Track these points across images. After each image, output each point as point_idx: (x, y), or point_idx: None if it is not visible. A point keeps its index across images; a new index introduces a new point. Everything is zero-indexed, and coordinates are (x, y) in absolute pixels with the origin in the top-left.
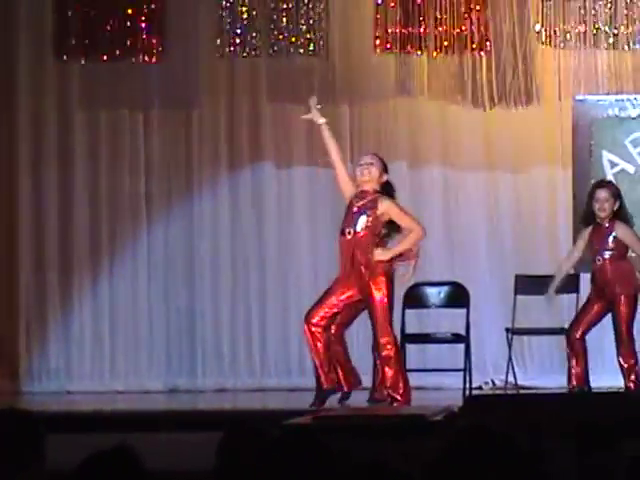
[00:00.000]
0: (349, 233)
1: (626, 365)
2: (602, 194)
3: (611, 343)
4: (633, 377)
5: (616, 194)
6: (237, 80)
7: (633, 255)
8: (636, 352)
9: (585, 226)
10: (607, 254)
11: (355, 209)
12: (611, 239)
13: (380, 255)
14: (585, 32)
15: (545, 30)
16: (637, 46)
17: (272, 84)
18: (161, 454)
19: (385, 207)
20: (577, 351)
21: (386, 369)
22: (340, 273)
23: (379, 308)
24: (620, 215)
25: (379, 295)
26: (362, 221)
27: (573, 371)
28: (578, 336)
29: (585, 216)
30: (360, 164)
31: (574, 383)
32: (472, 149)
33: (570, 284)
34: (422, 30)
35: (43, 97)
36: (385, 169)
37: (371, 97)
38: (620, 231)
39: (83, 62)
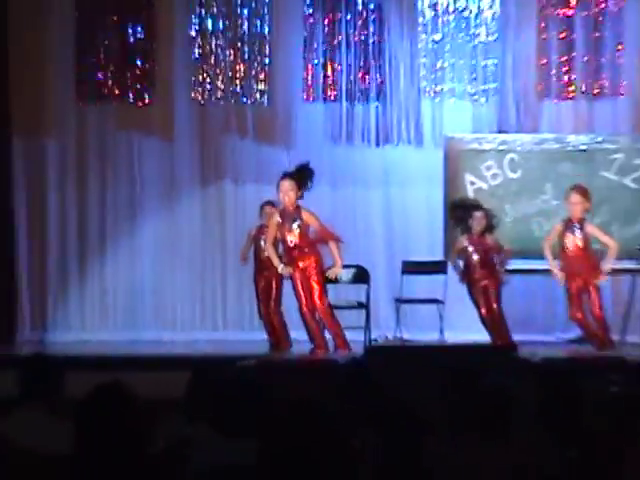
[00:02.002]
0: (291, 242)
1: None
2: (479, 214)
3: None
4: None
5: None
6: (208, 121)
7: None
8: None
9: (461, 233)
10: (477, 255)
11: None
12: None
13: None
14: (455, 89)
15: (426, 87)
16: (488, 98)
17: (231, 125)
18: (147, 387)
19: (306, 216)
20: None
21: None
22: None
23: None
24: (491, 229)
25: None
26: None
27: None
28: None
29: (463, 228)
30: (281, 190)
31: None
32: (376, 174)
33: (441, 268)
34: (339, 83)
35: (67, 133)
36: (299, 186)
37: (302, 140)
38: (489, 240)
39: (97, 104)
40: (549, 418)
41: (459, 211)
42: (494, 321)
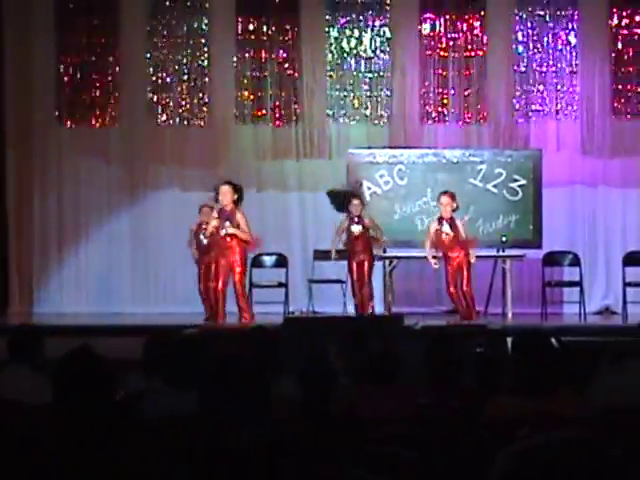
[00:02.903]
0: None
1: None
2: (356, 201)
3: None
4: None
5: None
6: (161, 143)
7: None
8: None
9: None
10: (360, 230)
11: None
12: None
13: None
14: (355, 114)
15: (333, 112)
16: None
17: (176, 144)
18: (110, 350)
19: (239, 217)
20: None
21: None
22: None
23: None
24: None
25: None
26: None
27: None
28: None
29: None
30: (220, 192)
31: None
32: (293, 181)
33: (344, 255)
34: (266, 109)
35: (49, 149)
36: (235, 190)
37: (231, 158)
38: (367, 220)
39: (71, 126)
40: (429, 372)
41: (339, 199)
42: (361, 290)
